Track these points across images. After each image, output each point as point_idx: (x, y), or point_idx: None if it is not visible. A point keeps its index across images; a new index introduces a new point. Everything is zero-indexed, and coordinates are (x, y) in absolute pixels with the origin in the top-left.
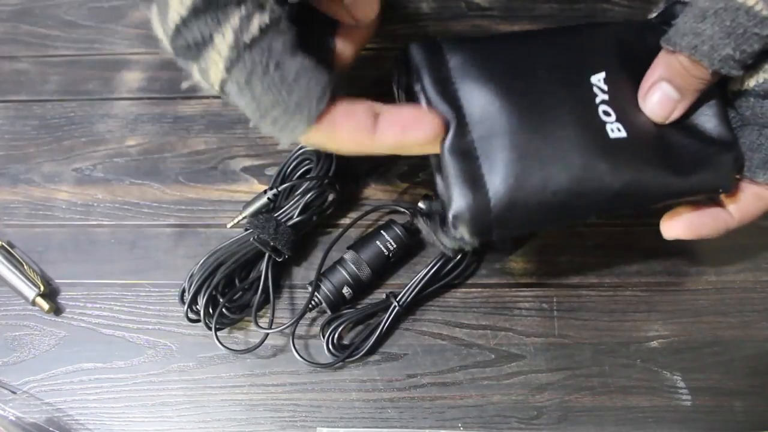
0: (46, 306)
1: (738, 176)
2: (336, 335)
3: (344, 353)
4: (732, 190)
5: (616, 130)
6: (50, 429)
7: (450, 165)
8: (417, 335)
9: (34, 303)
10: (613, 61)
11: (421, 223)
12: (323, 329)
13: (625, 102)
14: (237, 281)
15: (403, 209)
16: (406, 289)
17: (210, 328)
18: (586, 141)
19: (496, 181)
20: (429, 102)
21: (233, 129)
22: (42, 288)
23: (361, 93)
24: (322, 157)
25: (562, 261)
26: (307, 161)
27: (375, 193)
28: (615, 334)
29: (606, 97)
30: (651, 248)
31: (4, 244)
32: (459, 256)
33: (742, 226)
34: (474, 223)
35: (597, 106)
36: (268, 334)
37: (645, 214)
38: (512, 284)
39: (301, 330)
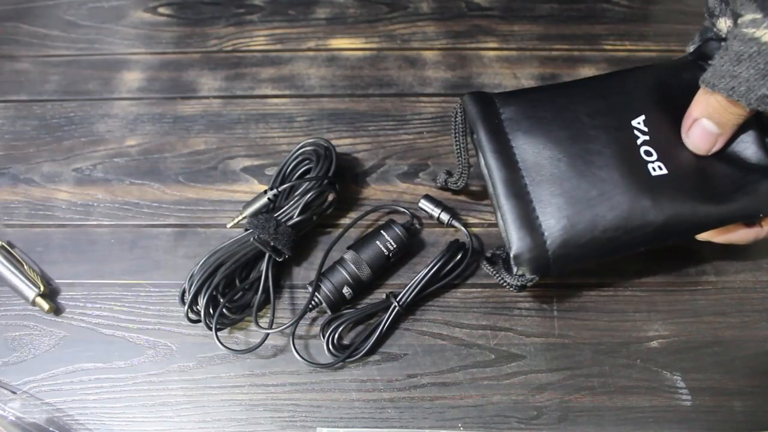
0: (46, 306)
1: None
2: (336, 335)
3: (344, 353)
4: None
5: (657, 168)
6: (50, 429)
7: (507, 209)
8: (417, 335)
9: (34, 303)
10: (652, 103)
11: (486, 267)
12: (323, 329)
13: (665, 141)
14: (237, 281)
15: (403, 209)
16: (406, 289)
17: (210, 329)
18: (630, 181)
19: (551, 222)
20: (484, 151)
21: (233, 129)
22: (42, 288)
23: (360, 93)
24: (322, 157)
25: None
26: (307, 161)
27: (375, 193)
28: (615, 334)
29: (647, 138)
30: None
31: (4, 244)
32: (459, 256)
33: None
34: (533, 261)
35: (638, 147)
36: (268, 334)
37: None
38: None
39: (301, 330)
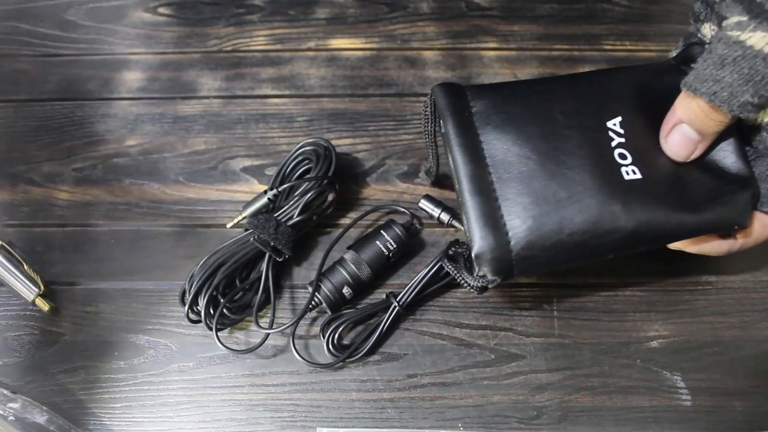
0: (46, 306)
1: None
2: (336, 335)
3: (344, 353)
4: (748, 226)
5: (631, 173)
6: (50, 429)
7: (470, 206)
8: (417, 335)
9: (34, 303)
10: (630, 105)
11: (447, 265)
12: (323, 329)
13: (642, 145)
14: (237, 281)
15: (403, 209)
16: (406, 289)
17: (211, 329)
18: (601, 184)
19: (516, 222)
20: (451, 145)
21: (233, 129)
22: (42, 288)
23: (360, 93)
24: (322, 157)
25: None
26: (307, 161)
27: (375, 193)
28: (615, 334)
29: (622, 140)
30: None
31: (4, 244)
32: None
33: (743, 250)
34: (495, 262)
35: (613, 149)
36: (268, 334)
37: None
38: (512, 284)
39: (301, 330)
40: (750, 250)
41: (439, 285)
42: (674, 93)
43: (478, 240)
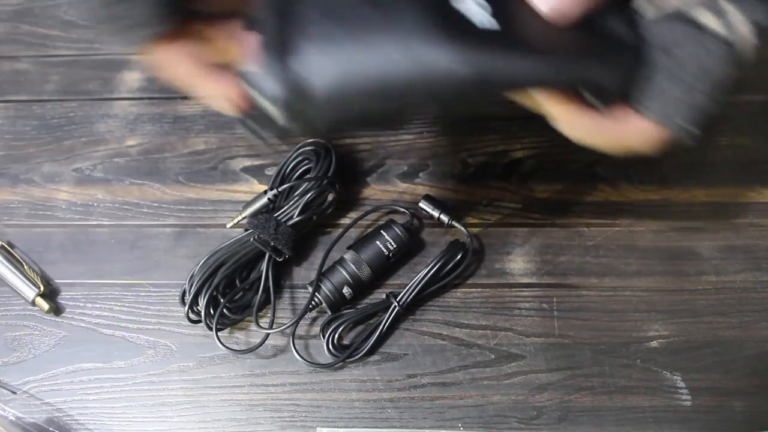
0: (46, 306)
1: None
2: (336, 335)
3: (344, 353)
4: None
5: (486, 23)
6: (50, 429)
7: (267, 24)
8: (417, 335)
9: (34, 303)
10: None
11: (248, 124)
12: (323, 329)
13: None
14: (237, 281)
15: (403, 209)
16: (406, 289)
17: (211, 329)
18: (433, 23)
19: (310, 45)
20: None
21: (233, 129)
22: (42, 288)
23: None
24: (322, 157)
25: (562, 261)
26: (307, 161)
27: (375, 193)
28: (615, 334)
29: None
30: (651, 248)
31: (4, 244)
32: (459, 256)
33: (613, 146)
34: (265, 89)
35: None
36: (268, 334)
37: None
38: (512, 284)
39: (301, 330)
40: (749, 249)
41: (439, 285)
42: None
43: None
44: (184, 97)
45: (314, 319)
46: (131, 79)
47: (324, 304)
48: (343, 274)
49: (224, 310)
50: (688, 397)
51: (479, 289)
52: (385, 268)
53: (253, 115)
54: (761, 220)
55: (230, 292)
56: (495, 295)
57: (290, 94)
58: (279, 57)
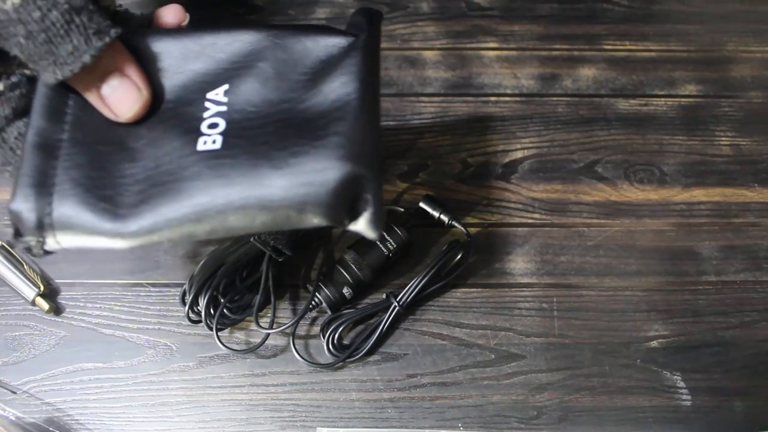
0: (46, 306)
1: None
2: (336, 335)
3: (344, 353)
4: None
5: (210, 143)
6: (50, 429)
7: (29, 157)
8: (417, 335)
9: (34, 303)
10: (249, 70)
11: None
12: (323, 329)
13: (244, 112)
14: (238, 282)
15: (402, 209)
16: (406, 289)
17: (211, 329)
18: (168, 156)
19: (67, 189)
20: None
21: None
22: (42, 288)
23: None
24: None
25: (562, 261)
26: None
27: None
28: (615, 334)
29: (222, 108)
30: (651, 248)
31: (4, 244)
32: (459, 256)
33: None
34: (27, 222)
35: (203, 120)
36: (268, 334)
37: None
38: (512, 284)
39: (301, 330)
40: (749, 249)
41: (439, 285)
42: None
43: (18, 194)
44: None
45: (314, 319)
46: None
47: (324, 304)
48: (343, 274)
49: (224, 310)
50: (688, 397)
51: (479, 289)
52: (385, 268)
53: None
54: (761, 220)
55: (230, 292)
56: (495, 295)
57: (28, 218)
58: (39, 189)
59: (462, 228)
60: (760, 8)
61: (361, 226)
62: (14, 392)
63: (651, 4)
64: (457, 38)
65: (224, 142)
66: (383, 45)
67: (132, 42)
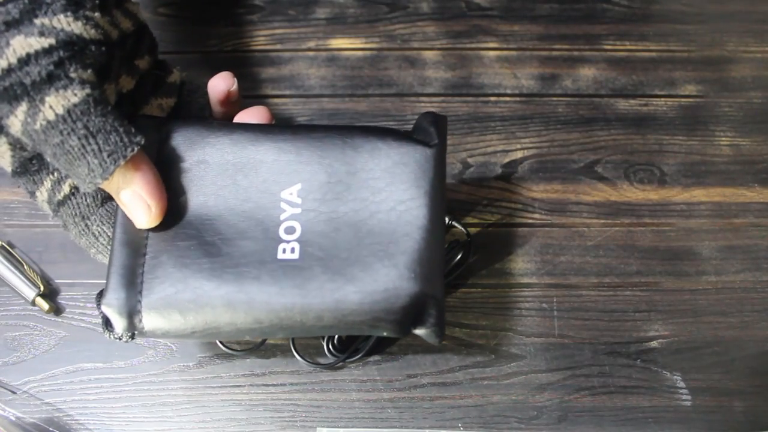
0: (46, 306)
1: None
2: (336, 335)
3: (344, 353)
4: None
5: (289, 251)
6: (50, 429)
7: (117, 255)
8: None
9: (34, 303)
10: (320, 170)
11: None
12: None
13: (316, 216)
14: None
15: None
16: None
17: None
18: (251, 262)
19: (154, 284)
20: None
21: None
22: (42, 288)
23: (361, 93)
24: None
25: (562, 261)
26: None
27: None
28: (615, 334)
29: (297, 211)
30: (651, 248)
31: (4, 244)
32: (459, 256)
33: None
34: (119, 318)
35: (280, 223)
36: None
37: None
38: (512, 284)
39: None
40: (749, 249)
41: None
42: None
43: (110, 291)
44: None
45: None
46: None
47: None
48: None
49: None
50: (688, 397)
51: (479, 289)
52: None
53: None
54: (761, 220)
55: None
56: (495, 295)
57: (122, 312)
58: (128, 283)
59: (462, 228)
60: (760, 8)
61: (424, 334)
62: (14, 392)
63: (651, 4)
64: (457, 38)
65: (301, 252)
66: (383, 45)
67: (197, 137)
